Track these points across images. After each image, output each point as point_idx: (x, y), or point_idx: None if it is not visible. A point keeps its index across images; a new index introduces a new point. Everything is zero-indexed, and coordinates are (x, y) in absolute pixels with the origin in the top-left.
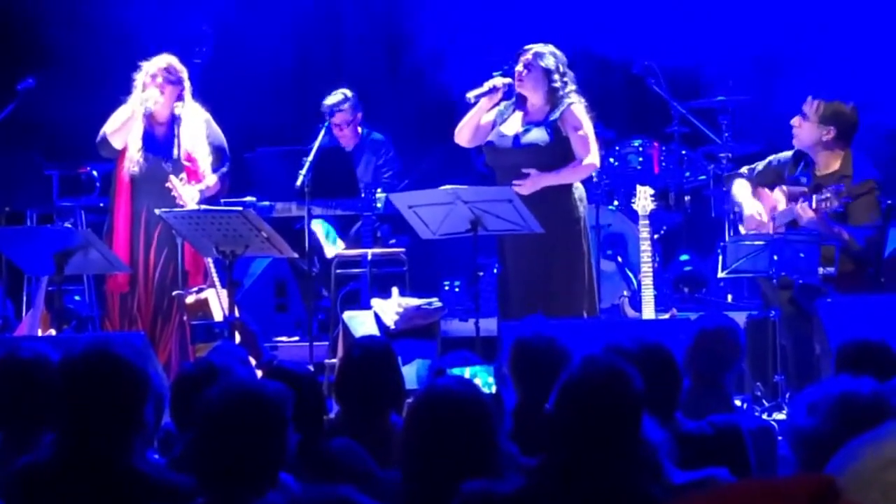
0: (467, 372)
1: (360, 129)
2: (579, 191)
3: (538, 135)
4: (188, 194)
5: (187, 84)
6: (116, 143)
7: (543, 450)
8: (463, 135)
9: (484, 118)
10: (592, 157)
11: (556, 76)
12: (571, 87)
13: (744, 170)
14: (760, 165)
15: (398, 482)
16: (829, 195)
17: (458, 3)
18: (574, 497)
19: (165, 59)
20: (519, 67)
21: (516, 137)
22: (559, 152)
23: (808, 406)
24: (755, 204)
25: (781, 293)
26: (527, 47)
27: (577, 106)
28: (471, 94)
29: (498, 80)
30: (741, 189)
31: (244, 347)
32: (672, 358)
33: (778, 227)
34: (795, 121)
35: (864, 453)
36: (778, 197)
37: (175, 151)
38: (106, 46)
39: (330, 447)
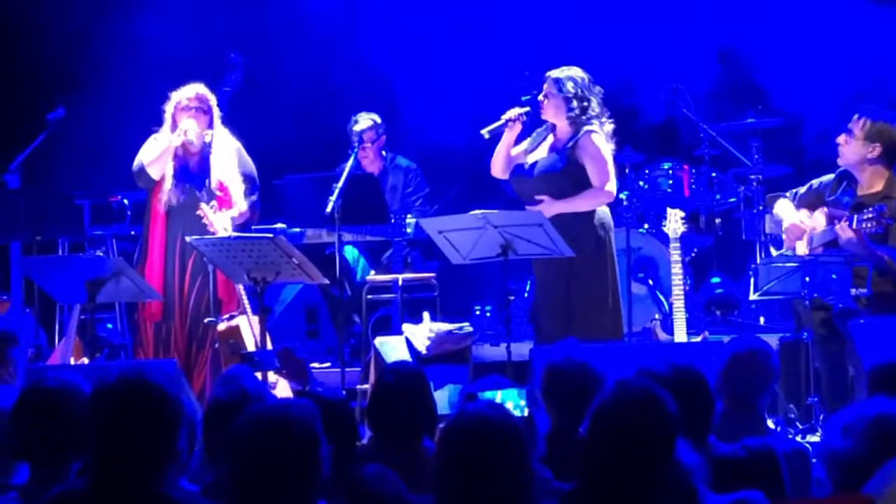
0: (499, 396)
1: (384, 153)
2: (601, 216)
3: (552, 163)
4: (220, 222)
5: (216, 111)
6: (154, 175)
7: (577, 474)
8: (496, 168)
9: (515, 149)
10: (609, 185)
11: (575, 102)
12: (594, 111)
13: (788, 194)
14: (802, 189)
15: None
16: (871, 216)
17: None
18: None
19: (194, 89)
20: (541, 96)
21: (533, 165)
22: (572, 180)
23: (843, 428)
24: (798, 214)
25: (814, 314)
26: (548, 73)
27: (596, 134)
28: (485, 131)
29: (513, 112)
30: (783, 206)
31: (292, 375)
32: (705, 381)
33: (816, 248)
34: (841, 138)
35: None
36: (818, 218)
37: (208, 181)
38: (136, 75)
39: (363, 473)
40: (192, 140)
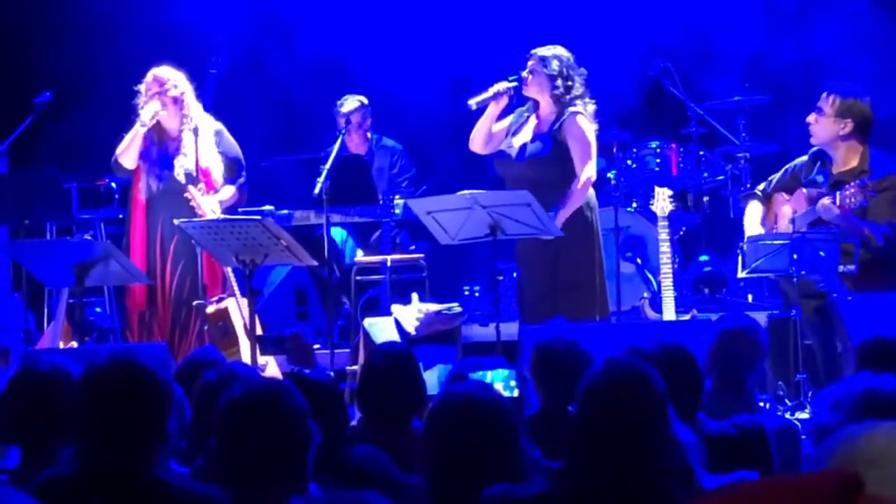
0: (489, 376)
1: (369, 135)
2: (587, 196)
3: (538, 147)
4: (207, 204)
5: (188, 88)
6: (127, 164)
7: (566, 453)
8: (476, 143)
9: (497, 125)
10: (588, 170)
11: (560, 81)
12: (578, 91)
13: (761, 186)
14: (777, 175)
15: (421, 488)
16: (853, 190)
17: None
18: (598, 500)
19: (151, 73)
20: (524, 73)
21: (521, 150)
22: (559, 164)
23: (832, 403)
24: (759, 229)
25: (806, 302)
26: (532, 51)
27: (581, 116)
28: (472, 101)
29: (501, 85)
30: (751, 214)
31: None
32: (693, 359)
33: (800, 229)
34: (811, 118)
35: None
36: (798, 203)
37: (182, 164)
38: (124, 57)
39: (352, 454)
40: (155, 121)
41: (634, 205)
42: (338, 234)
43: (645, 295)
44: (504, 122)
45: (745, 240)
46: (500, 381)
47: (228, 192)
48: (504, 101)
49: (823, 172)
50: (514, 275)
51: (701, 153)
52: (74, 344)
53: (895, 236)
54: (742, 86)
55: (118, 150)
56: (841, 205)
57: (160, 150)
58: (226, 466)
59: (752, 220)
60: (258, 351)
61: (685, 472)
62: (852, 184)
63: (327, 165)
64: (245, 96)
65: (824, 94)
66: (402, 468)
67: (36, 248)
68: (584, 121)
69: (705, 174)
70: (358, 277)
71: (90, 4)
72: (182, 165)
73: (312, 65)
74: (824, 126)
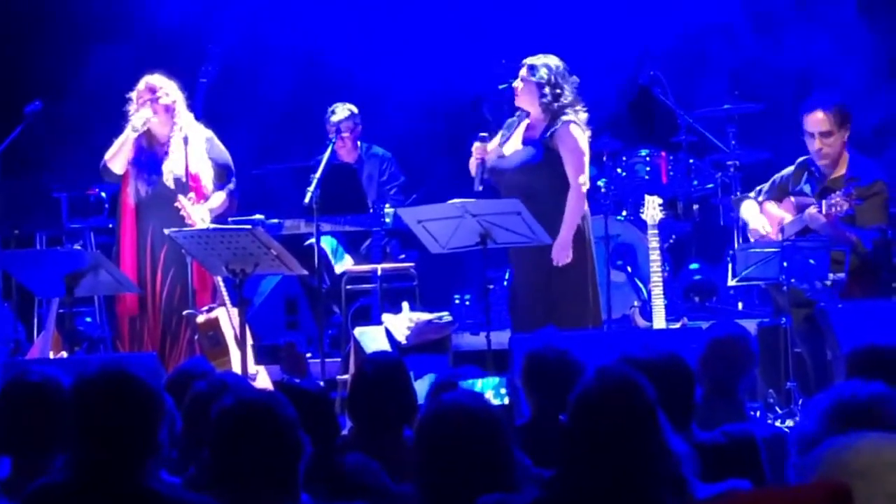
0: (479, 384)
1: (358, 143)
2: None
3: (529, 154)
4: (197, 213)
5: (180, 97)
6: (116, 169)
7: (557, 462)
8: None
9: (489, 147)
10: (582, 178)
11: (548, 89)
12: (567, 99)
13: (752, 193)
14: (766, 186)
15: (413, 497)
16: (838, 199)
17: (473, 12)
18: None
19: (144, 80)
20: (515, 82)
21: (512, 158)
22: (550, 171)
23: (819, 412)
24: (760, 218)
25: (797, 311)
26: (524, 60)
27: (575, 126)
28: (477, 184)
29: (477, 148)
30: (748, 208)
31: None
32: (688, 367)
33: (788, 237)
34: (817, 143)
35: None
36: (787, 209)
37: (170, 168)
38: (114, 66)
39: (344, 463)
40: (145, 128)
41: (624, 213)
42: (328, 242)
43: (635, 303)
44: (494, 141)
45: (746, 226)
46: (490, 390)
47: (219, 199)
48: (485, 151)
49: (811, 182)
50: (505, 283)
51: (691, 161)
52: (65, 354)
53: (883, 241)
54: (731, 94)
55: (107, 156)
56: (827, 213)
57: (149, 154)
58: (217, 476)
59: (752, 213)
60: (251, 359)
61: (678, 482)
62: (837, 192)
63: (317, 174)
64: (235, 105)
65: (821, 116)
66: (393, 477)
67: (26, 257)
68: (578, 130)
69: (695, 182)
70: (348, 286)
71: (81, 13)
72: (171, 170)
73: (303, 73)
74: (835, 143)
